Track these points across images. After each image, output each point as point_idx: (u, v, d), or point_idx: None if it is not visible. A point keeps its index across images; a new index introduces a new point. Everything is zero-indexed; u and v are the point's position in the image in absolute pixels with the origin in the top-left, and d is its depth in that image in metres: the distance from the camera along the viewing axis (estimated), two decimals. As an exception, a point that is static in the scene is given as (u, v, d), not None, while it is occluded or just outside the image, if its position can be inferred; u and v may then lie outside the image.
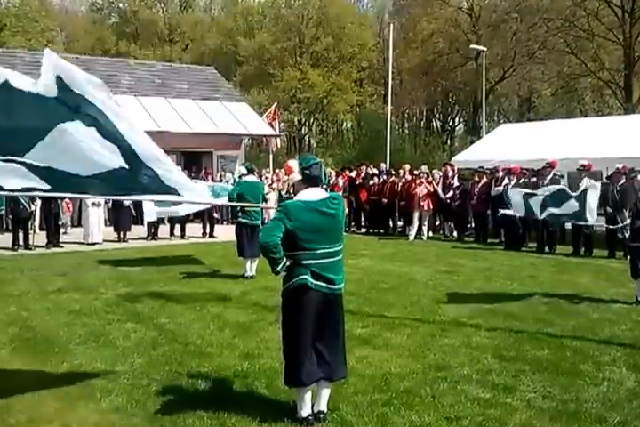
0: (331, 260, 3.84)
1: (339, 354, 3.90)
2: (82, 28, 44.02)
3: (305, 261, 3.79)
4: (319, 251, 3.80)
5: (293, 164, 4.00)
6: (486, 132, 22.08)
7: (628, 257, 9.96)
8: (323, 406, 3.88)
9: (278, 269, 3.81)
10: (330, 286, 3.81)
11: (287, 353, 3.87)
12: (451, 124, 41.81)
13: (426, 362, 5.00)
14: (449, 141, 38.85)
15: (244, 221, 8.73)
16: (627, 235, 7.92)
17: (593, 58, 28.81)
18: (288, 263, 3.82)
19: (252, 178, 9.19)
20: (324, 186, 4.01)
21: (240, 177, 9.81)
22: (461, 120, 41.87)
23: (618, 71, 28.96)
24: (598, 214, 11.77)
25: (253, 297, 7.53)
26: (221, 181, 16.49)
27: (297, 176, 3.91)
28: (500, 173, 12.79)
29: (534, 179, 12.25)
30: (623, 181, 10.80)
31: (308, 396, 3.83)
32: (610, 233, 11.11)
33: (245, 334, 5.83)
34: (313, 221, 3.77)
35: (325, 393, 3.89)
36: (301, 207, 3.78)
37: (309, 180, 3.87)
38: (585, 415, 3.94)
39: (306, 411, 3.82)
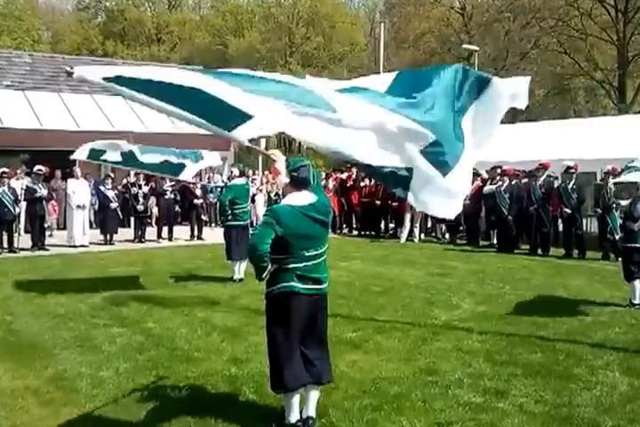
0: (315, 262, 3.78)
1: (324, 357, 3.84)
2: (68, 27, 43.59)
3: (291, 265, 3.72)
4: (306, 254, 3.74)
5: (280, 166, 3.90)
6: (478, 133, 22.01)
7: (619, 259, 9.90)
8: (311, 412, 3.83)
9: (264, 276, 3.73)
10: (318, 286, 3.77)
11: (272, 358, 3.81)
12: (443, 124, 41.78)
13: (417, 366, 4.96)
14: (441, 142, 38.83)
15: (233, 223, 8.65)
16: (617, 236, 7.88)
17: (586, 58, 28.74)
18: (272, 268, 3.73)
19: (242, 180, 9.10)
20: (315, 187, 3.90)
21: (229, 179, 9.71)
22: (453, 121, 41.79)
23: (611, 71, 28.85)
24: (589, 216, 11.78)
25: (242, 301, 7.43)
26: (209, 182, 16.31)
27: (284, 179, 3.83)
28: (497, 172, 12.65)
29: (527, 180, 12.21)
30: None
31: (295, 401, 3.77)
32: (601, 234, 11.10)
33: (234, 339, 5.76)
34: (301, 227, 3.69)
35: (313, 398, 3.84)
36: (290, 212, 3.69)
37: (297, 182, 3.78)
38: (578, 420, 3.91)
39: (294, 417, 3.77)
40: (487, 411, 4.04)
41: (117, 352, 5.32)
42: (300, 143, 41.86)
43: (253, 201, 13.51)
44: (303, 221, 3.69)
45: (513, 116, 35.45)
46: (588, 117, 24.15)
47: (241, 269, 8.69)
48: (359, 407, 4.09)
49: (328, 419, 3.89)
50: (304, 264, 3.72)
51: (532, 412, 4.03)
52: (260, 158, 19.97)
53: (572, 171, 11.27)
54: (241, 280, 8.63)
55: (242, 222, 8.67)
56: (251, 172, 16.14)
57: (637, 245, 6.99)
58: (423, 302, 7.34)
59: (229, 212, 8.66)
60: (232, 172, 9.45)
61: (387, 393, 4.35)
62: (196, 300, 7.50)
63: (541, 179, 11.79)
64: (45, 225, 12.68)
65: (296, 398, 3.76)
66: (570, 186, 11.33)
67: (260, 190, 15.17)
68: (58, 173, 15.02)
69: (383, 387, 4.46)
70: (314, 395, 3.83)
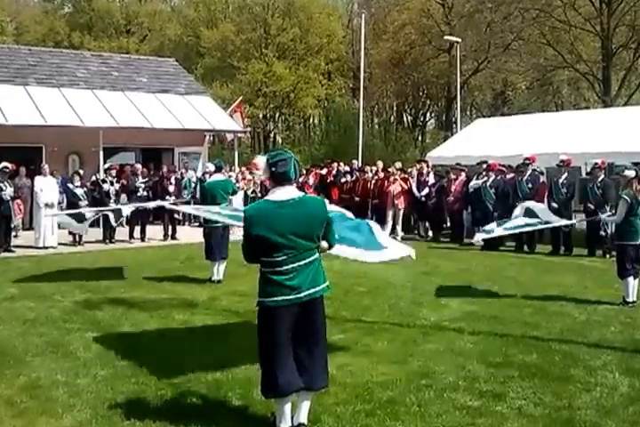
0: (296, 265, 3.63)
1: (318, 362, 3.67)
2: (33, 18, 42.47)
3: (268, 268, 3.66)
4: (279, 258, 3.57)
5: (260, 160, 3.78)
6: (460, 128, 21.89)
7: (608, 255, 9.81)
8: (303, 419, 3.67)
9: None
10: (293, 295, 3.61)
11: (262, 361, 3.65)
12: (422, 119, 41.31)
13: (409, 369, 4.81)
14: (420, 137, 38.68)
15: (213, 225, 8.22)
16: (609, 232, 7.75)
17: (570, 49, 28.28)
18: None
19: (218, 177, 8.70)
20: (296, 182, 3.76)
21: (204, 175, 9.35)
22: (433, 115, 41.54)
23: (595, 63, 28.41)
24: (578, 211, 11.68)
25: (222, 302, 7.23)
26: (182, 178, 15.87)
27: (262, 174, 3.72)
28: (482, 167, 12.47)
29: (512, 175, 12.06)
30: (602, 176, 10.56)
31: (287, 407, 3.62)
32: (590, 231, 10.84)
33: (216, 342, 5.58)
34: (276, 223, 3.53)
35: (305, 404, 3.68)
36: (263, 208, 3.58)
37: (276, 177, 3.62)
38: (580, 423, 3.80)
39: (285, 424, 3.62)
40: (485, 415, 3.91)
41: (94, 358, 5.10)
42: (274, 139, 41.53)
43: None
44: (279, 217, 3.52)
45: (495, 108, 35.36)
46: (573, 110, 24.08)
47: (220, 269, 8.42)
48: (352, 413, 3.95)
49: (320, 425, 3.76)
50: (284, 267, 3.56)
51: (532, 415, 3.92)
52: (236, 154, 19.58)
53: (560, 164, 11.16)
54: (220, 282, 8.38)
55: (219, 223, 8.26)
56: (227, 168, 15.77)
57: (632, 242, 6.89)
58: (410, 302, 7.19)
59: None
60: (208, 168, 9.08)
61: (379, 398, 4.20)
62: (174, 302, 7.26)
63: (527, 174, 11.61)
64: (12, 225, 12.16)
65: (288, 405, 3.62)
66: (560, 180, 11.23)
67: (239, 188, 14.85)
68: (22, 169, 14.40)
69: (376, 391, 4.32)
70: (306, 401, 3.68)
